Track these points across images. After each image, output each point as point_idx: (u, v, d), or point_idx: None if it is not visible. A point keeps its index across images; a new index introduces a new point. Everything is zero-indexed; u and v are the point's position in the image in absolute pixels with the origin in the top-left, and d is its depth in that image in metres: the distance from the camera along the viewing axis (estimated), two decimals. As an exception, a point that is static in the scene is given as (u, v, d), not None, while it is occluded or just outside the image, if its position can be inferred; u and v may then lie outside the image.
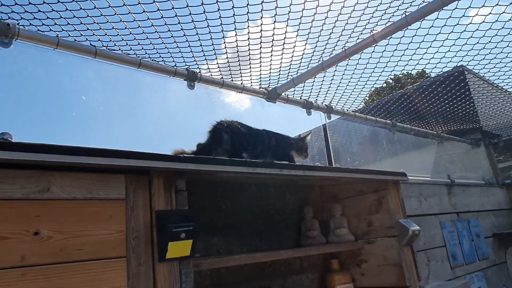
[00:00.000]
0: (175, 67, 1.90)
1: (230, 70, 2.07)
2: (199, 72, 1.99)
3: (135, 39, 1.62)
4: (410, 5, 1.59)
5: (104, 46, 1.66)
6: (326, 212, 2.03)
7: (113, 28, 1.53)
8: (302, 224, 1.92)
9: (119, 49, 1.71)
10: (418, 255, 2.49)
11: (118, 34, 1.58)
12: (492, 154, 4.33)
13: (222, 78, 2.11)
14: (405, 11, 1.62)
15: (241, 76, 2.14)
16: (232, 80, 2.15)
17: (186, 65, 1.95)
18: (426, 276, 2.50)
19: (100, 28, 1.52)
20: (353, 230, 1.91)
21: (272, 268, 1.76)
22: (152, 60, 1.84)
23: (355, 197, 1.94)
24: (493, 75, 2.45)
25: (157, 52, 1.79)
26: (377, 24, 1.72)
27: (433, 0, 1.56)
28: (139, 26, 1.55)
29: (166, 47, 1.75)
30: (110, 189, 1.00)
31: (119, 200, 1.01)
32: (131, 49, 1.71)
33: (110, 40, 1.62)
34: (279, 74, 2.20)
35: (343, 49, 1.93)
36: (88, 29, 1.51)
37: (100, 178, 0.98)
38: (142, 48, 1.74)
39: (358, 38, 1.85)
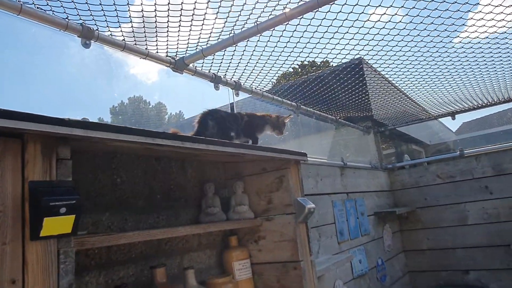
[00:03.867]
0: (67, 19, 1.65)
1: (134, 37, 1.88)
2: (97, 29, 1.76)
3: (14, -23, 1.35)
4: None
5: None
6: (228, 189, 2.01)
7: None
8: (203, 201, 1.87)
9: (-7, -11, 1.41)
10: (312, 231, 2.65)
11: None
12: (379, 141, 4.81)
13: (124, 40, 1.90)
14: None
15: (146, 43, 1.97)
16: (135, 45, 1.96)
17: (81, 20, 1.71)
18: (317, 250, 2.67)
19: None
20: (254, 208, 1.92)
21: (168, 246, 1.68)
22: (38, 7, 1.57)
23: (258, 175, 1.95)
24: (387, 67, 2.66)
25: (45, -1, 1.53)
26: (290, 2, 1.71)
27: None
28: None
29: (56, -5, 1.50)
30: (-34, 153, 0.81)
31: (-20, 167, 0.82)
32: (9, -10, 1.43)
33: (-20, -25, 1.33)
34: (187, 45, 2.07)
35: (255, 23, 1.89)
36: None
37: (-48, 139, 0.79)
38: (24, -9, 1.46)
39: (270, 14, 1.82)
